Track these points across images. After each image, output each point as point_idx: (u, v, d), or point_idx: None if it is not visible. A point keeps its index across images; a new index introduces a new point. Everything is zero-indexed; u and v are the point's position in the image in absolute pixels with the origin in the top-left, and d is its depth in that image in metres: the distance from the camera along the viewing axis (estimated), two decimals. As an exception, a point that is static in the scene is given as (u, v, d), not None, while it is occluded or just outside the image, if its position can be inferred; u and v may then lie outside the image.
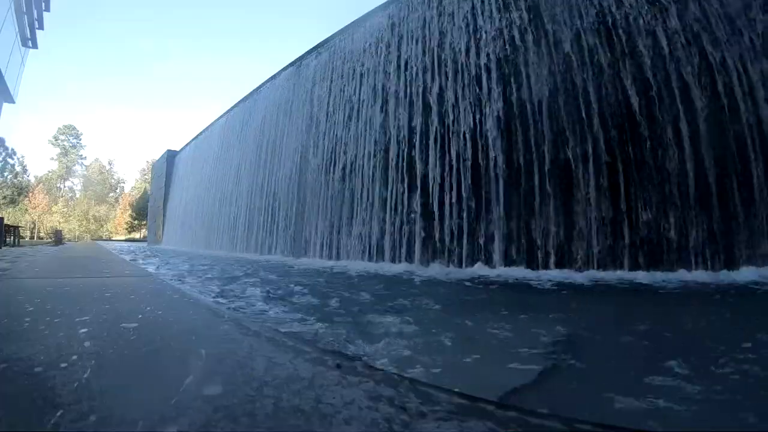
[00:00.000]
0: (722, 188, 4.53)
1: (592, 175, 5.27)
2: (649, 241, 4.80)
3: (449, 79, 7.25)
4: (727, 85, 4.64)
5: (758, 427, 1.13)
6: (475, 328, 2.37)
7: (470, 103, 6.82)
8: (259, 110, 14.00)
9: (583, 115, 5.47)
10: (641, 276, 4.48)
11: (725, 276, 4.10)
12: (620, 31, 5.42)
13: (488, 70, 6.68)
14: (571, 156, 5.50)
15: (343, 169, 9.17)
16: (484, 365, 1.71)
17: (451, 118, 7.04)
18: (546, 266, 5.37)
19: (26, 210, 42.40)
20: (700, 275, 4.28)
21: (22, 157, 49.09)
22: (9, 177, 37.89)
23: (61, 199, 50.62)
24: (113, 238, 46.36)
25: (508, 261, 5.80)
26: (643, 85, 5.10)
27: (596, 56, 5.55)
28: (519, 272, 5.34)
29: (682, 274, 4.36)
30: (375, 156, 8.37)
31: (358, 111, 9.13)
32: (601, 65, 5.49)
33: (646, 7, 5.29)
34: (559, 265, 5.29)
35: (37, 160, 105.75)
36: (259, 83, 14.66)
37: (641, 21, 5.29)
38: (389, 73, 8.51)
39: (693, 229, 4.55)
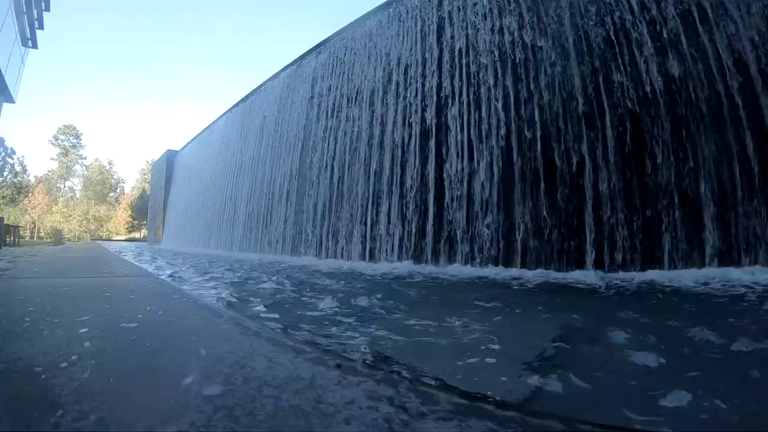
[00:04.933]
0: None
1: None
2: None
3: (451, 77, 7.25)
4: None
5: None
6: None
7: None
8: (259, 110, 14.01)
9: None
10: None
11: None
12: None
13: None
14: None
15: (342, 169, 9.17)
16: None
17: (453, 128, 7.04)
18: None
19: (26, 210, 42.38)
20: None
21: (22, 156, 49.21)
22: (9, 177, 37.88)
23: (61, 199, 50.62)
24: (113, 238, 46.35)
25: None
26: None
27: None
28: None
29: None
30: (375, 155, 8.38)
31: (358, 110, 9.14)
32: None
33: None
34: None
35: (37, 160, 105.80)
36: (260, 83, 14.68)
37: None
38: (389, 72, 8.52)
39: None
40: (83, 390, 0.91)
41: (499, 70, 6.51)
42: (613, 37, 5.43)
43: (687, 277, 4.12)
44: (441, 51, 7.52)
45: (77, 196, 52.95)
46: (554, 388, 1.29)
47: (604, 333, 1.95)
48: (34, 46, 15.37)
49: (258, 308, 2.80)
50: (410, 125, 7.74)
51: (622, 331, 1.93)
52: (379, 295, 3.36)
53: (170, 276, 4.98)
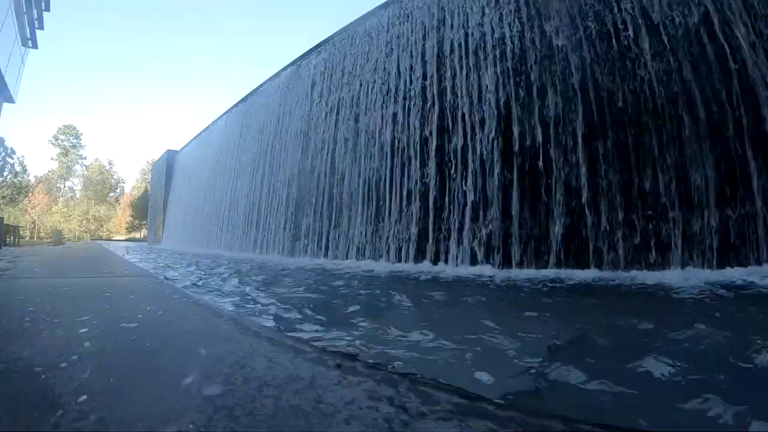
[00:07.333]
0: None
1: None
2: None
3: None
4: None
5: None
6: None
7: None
8: (259, 110, 14.01)
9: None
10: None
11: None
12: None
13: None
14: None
15: (344, 169, 9.17)
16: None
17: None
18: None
19: (26, 210, 42.35)
20: None
21: (22, 156, 49.18)
22: (9, 177, 37.88)
23: (61, 199, 50.58)
24: (113, 238, 46.32)
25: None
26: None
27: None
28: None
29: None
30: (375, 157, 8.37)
31: (358, 110, 9.13)
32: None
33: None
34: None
35: (37, 160, 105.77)
36: (260, 83, 14.68)
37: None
38: (390, 73, 8.51)
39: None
40: (83, 390, 0.91)
41: (499, 71, 6.51)
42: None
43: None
44: (441, 51, 7.52)
45: (77, 196, 52.90)
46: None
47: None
48: (34, 46, 15.37)
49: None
50: (410, 127, 7.74)
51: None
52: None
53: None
